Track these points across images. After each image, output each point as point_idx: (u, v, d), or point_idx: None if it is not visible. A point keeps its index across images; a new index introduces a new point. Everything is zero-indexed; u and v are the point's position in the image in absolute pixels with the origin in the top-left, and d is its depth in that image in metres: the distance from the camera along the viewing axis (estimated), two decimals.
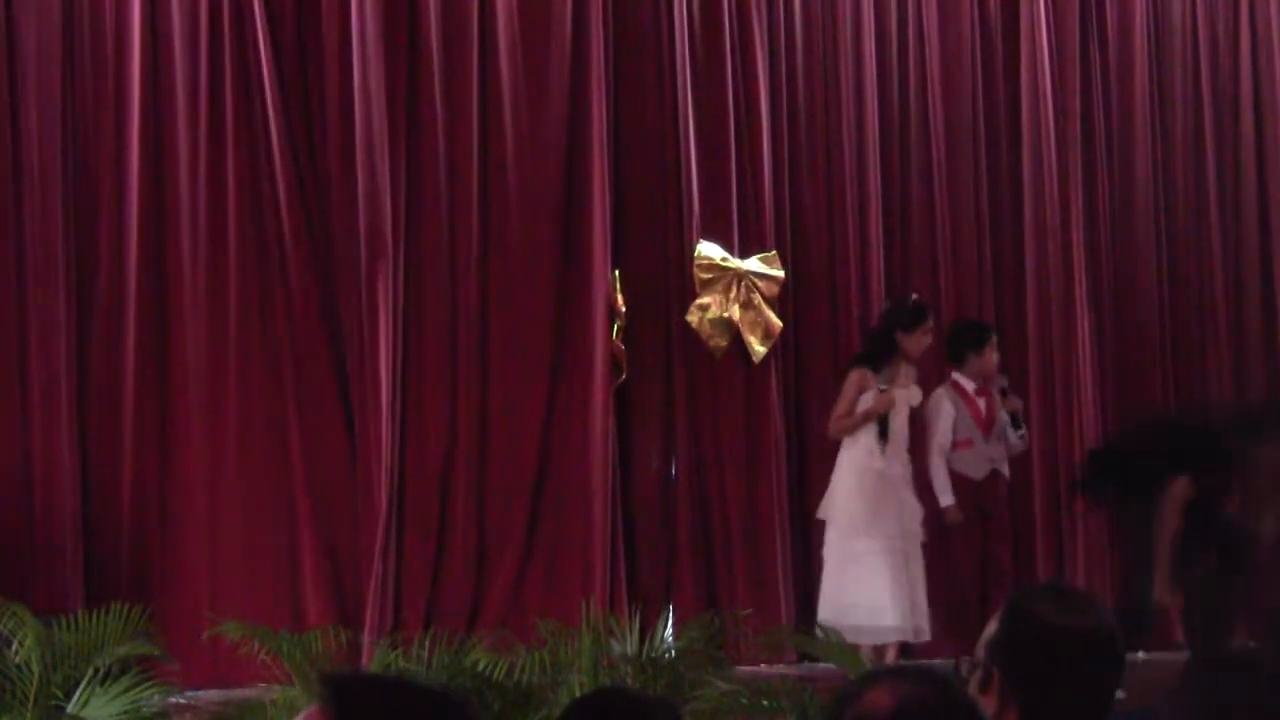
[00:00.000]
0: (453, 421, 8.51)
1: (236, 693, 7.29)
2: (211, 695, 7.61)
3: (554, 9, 8.69)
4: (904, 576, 7.60)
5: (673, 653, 7.09)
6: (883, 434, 7.66)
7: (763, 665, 8.04)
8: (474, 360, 8.57)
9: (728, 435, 8.85)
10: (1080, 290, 9.11)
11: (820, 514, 7.86)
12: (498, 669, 6.56)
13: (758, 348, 8.90)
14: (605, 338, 8.73)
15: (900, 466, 7.80)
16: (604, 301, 8.75)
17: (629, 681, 6.48)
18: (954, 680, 2.61)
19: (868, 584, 7.54)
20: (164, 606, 7.73)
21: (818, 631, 7.45)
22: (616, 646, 7.03)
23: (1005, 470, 7.95)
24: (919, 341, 7.77)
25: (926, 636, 7.71)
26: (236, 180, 8.28)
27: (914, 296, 7.93)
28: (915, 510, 7.78)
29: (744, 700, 6.56)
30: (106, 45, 8.23)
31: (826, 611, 7.67)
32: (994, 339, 7.96)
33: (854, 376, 7.79)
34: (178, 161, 8.25)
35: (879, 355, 7.80)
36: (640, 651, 6.95)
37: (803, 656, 8.07)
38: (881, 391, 7.66)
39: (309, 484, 8.30)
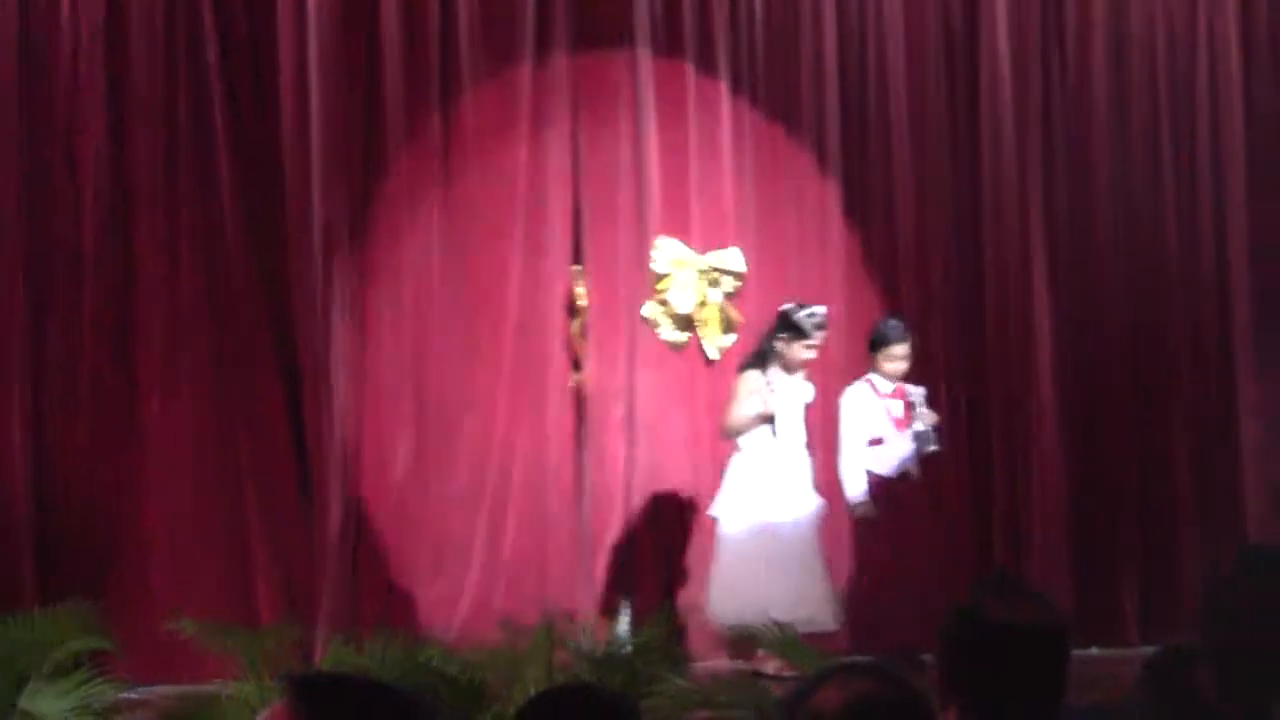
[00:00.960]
0: (414, 417, 8.51)
1: (191, 689, 7.27)
2: (166, 690, 7.58)
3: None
4: (797, 570, 7.69)
5: (629, 649, 7.13)
6: (774, 431, 7.79)
7: (724, 661, 8.12)
8: (433, 356, 8.57)
9: (689, 431, 8.81)
10: (1039, 284, 9.13)
11: (712, 512, 7.90)
12: (452, 666, 6.61)
13: (717, 343, 8.88)
14: (565, 333, 8.73)
15: (795, 461, 7.89)
16: (564, 297, 8.76)
17: (585, 678, 6.48)
18: (907, 675, 2.57)
19: (764, 580, 7.62)
20: (119, 603, 7.73)
21: (722, 628, 7.66)
22: (573, 643, 7.09)
23: (915, 469, 7.95)
24: (797, 354, 7.89)
25: (832, 627, 7.75)
26: (188, 180, 8.34)
27: (816, 311, 8.00)
28: (812, 504, 7.87)
29: (697, 697, 6.60)
30: (61, 37, 8.25)
31: (723, 608, 7.77)
32: (896, 347, 7.96)
33: (745, 377, 7.90)
34: (136, 164, 8.31)
35: (768, 356, 7.93)
36: (596, 648, 7.00)
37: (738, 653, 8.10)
38: (772, 391, 7.79)
39: (261, 479, 8.30)
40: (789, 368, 7.90)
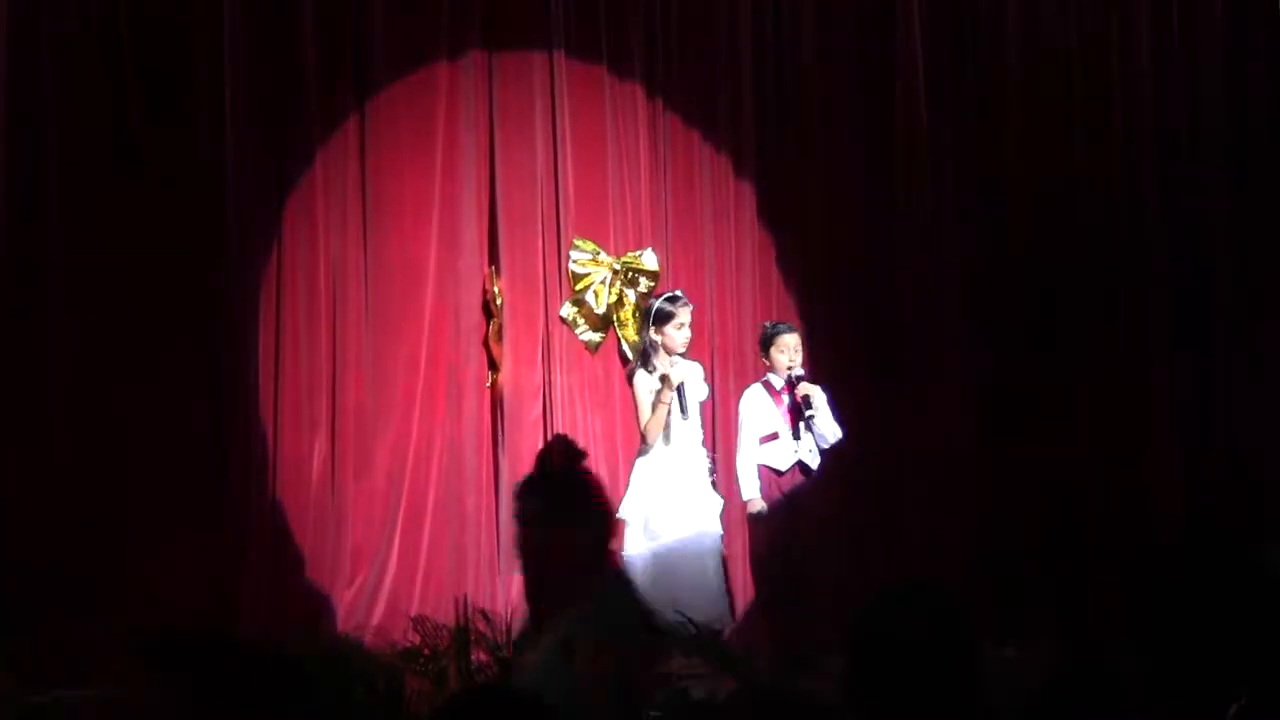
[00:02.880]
0: (331, 418, 8.51)
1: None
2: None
3: None
4: (697, 569, 7.75)
5: None
6: (683, 409, 7.84)
7: None
8: (350, 357, 8.57)
9: (605, 432, 8.85)
10: (952, 286, 9.24)
11: (620, 514, 7.88)
12: (369, 666, 6.67)
13: (634, 344, 8.80)
14: (483, 334, 8.76)
15: (694, 460, 7.97)
16: (481, 297, 8.77)
17: (502, 679, 6.48)
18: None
19: (664, 580, 7.63)
20: (28, 605, 7.73)
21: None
22: (490, 643, 7.09)
23: (812, 460, 8.05)
24: (671, 336, 7.97)
25: (730, 624, 7.81)
26: (99, 180, 8.29)
27: (675, 292, 8.12)
28: (713, 503, 7.94)
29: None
30: None
31: None
32: (785, 337, 8.10)
33: (638, 381, 7.97)
34: (46, 165, 8.25)
35: (648, 355, 8.00)
36: (513, 649, 6.83)
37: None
38: (661, 377, 7.84)
39: (179, 481, 8.25)
40: (670, 350, 7.97)
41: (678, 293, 8.10)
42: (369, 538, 8.51)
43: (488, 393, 8.76)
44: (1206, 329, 9.26)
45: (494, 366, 8.74)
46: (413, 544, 8.54)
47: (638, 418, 7.97)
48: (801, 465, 8.10)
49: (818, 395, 8.06)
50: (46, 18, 8.19)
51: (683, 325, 8.00)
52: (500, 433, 8.69)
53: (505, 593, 8.38)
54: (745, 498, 8.10)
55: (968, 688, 3.06)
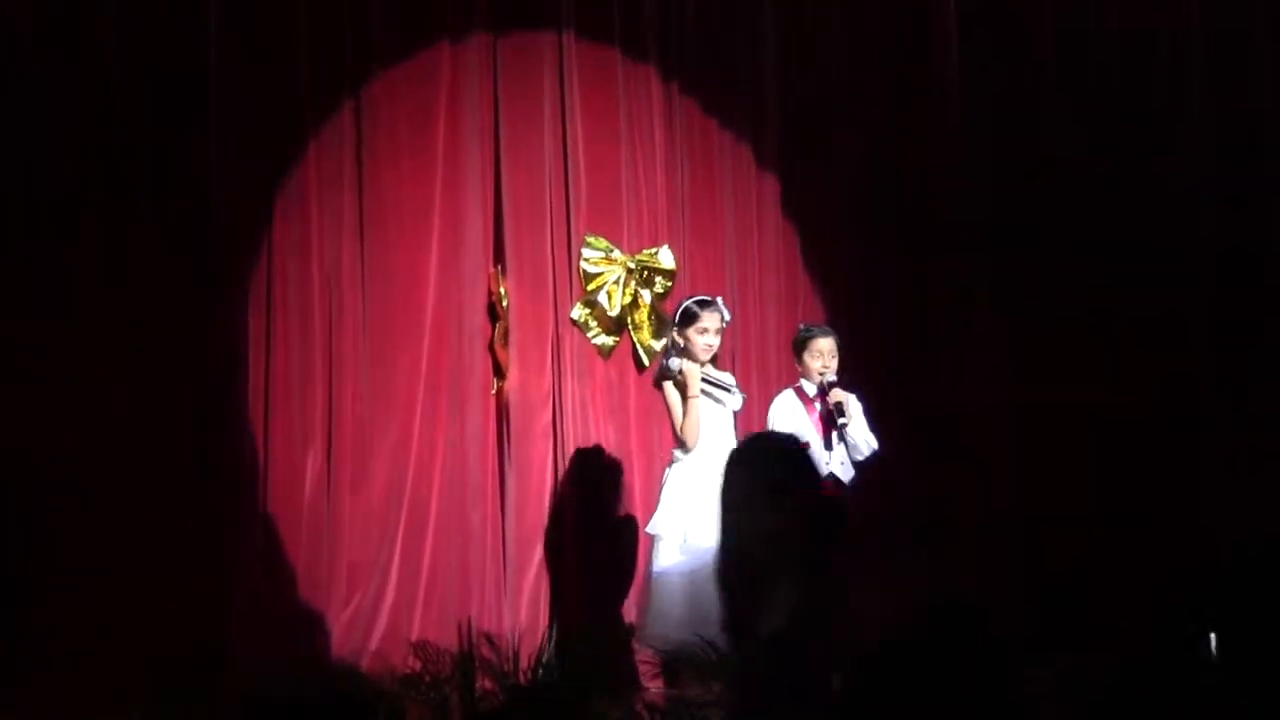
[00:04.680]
0: (326, 428, 8.38)
1: None
2: None
3: None
4: None
5: (555, 674, 7.15)
6: (728, 390, 7.78)
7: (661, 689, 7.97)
8: (345, 363, 8.44)
9: (620, 442, 8.76)
10: (988, 286, 9.15)
11: (650, 529, 7.80)
12: (368, 693, 6.42)
13: (649, 349, 8.83)
14: (487, 338, 8.65)
15: None
16: (485, 299, 8.66)
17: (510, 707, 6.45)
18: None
19: (698, 601, 7.37)
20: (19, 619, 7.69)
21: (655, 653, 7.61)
22: (496, 669, 7.12)
23: (845, 473, 7.92)
24: (696, 340, 7.84)
25: None
26: (85, 175, 8.12)
27: (711, 297, 7.98)
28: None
29: None
30: None
31: (654, 631, 7.68)
32: (820, 341, 8.00)
33: (667, 385, 7.85)
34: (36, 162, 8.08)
35: (670, 355, 7.89)
36: (519, 674, 7.04)
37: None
38: (680, 374, 7.74)
39: (165, 495, 8.07)
40: (695, 357, 7.85)
41: (715, 298, 7.97)
42: (366, 556, 8.36)
43: (493, 400, 8.63)
44: (1254, 317, 9.14)
45: (500, 372, 8.63)
46: (413, 562, 8.40)
47: (672, 423, 7.82)
48: (834, 478, 7.92)
49: (852, 403, 7.94)
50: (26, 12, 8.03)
51: (706, 330, 7.84)
52: (506, 443, 8.56)
53: (512, 615, 8.34)
54: None
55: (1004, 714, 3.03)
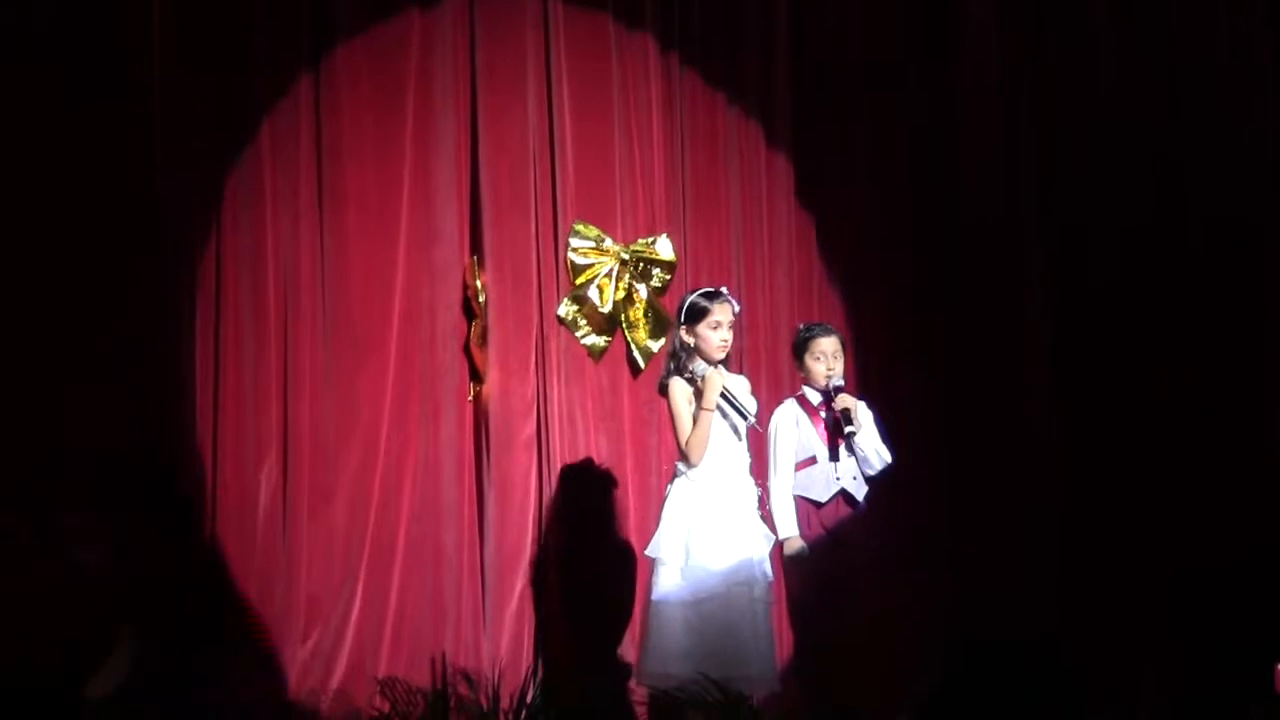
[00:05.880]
0: (282, 441, 8.09)
1: None
2: None
3: None
4: (744, 620, 7.37)
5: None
6: (744, 415, 7.43)
7: None
8: (303, 368, 8.14)
9: (613, 455, 8.54)
10: (1032, 276, 8.94)
11: (650, 552, 7.51)
12: None
13: (647, 349, 8.61)
14: (463, 338, 8.39)
15: (741, 490, 7.51)
16: (461, 294, 8.39)
17: None
18: None
19: (704, 632, 7.29)
20: None
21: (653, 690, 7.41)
22: (475, 710, 7.15)
23: (858, 490, 7.70)
24: (705, 338, 7.48)
25: (778, 687, 7.47)
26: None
27: (717, 288, 7.66)
28: (763, 541, 7.50)
29: None
30: None
31: (654, 666, 7.39)
32: (823, 340, 7.83)
33: (674, 390, 7.45)
34: None
35: (680, 359, 7.53)
36: (500, 715, 7.02)
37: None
38: (701, 380, 7.38)
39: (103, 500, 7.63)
40: (707, 355, 7.47)
41: (720, 288, 7.61)
42: (327, 584, 8.10)
43: (469, 408, 8.38)
44: None
45: (477, 377, 8.37)
46: (380, 591, 8.14)
47: (676, 435, 7.42)
48: (845, 495, 7.71)
49: (861, 411, 7.72)
50: None
51: (719, 325, 7.45)
52: (485, 457, 8.33)
53: (492, 650, 8.16)
54: (781, 536, 7.66)
55: None
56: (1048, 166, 8.96)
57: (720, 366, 7.46)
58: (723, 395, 7.34)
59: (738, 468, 7.47)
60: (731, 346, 7.57)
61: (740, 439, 7.48)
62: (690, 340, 7.45)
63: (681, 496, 7.44)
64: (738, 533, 7.42)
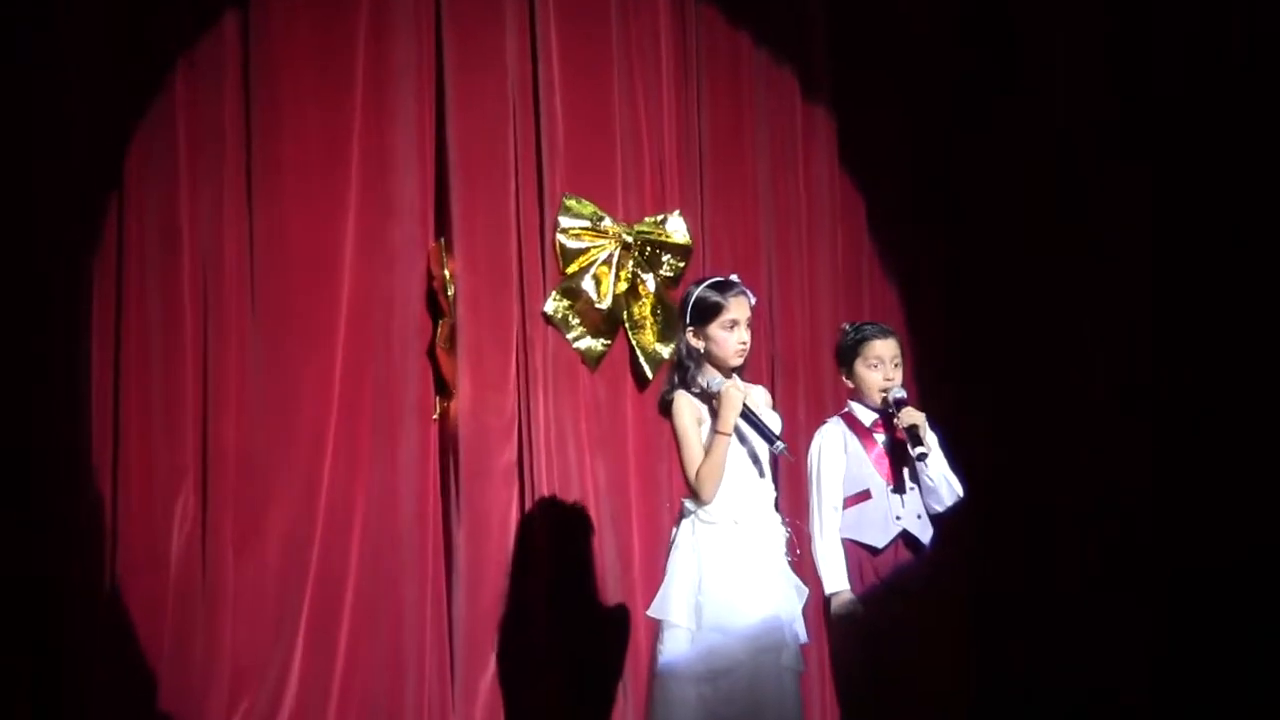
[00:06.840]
0: (200, 467, 7.39)
1: None
2: None
3: None
4: (779, 692, 6.62)
5: None
6: (770, 439, 6.58)
7: None
8: (227, 377, 7.45)
9: (613, 487, 8.00)
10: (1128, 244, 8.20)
11: (655, 613, 6.72)
12: None
13: (654, 356, 8.00)
14: (426, 340, 7.80)
15: (769, 530, 6.67)
16: (423, 285, 7.77)
17: None
18: None
19: (734, 709, 6.53)
20: None
21: None
22: None
23: (922, 531, 6.93)
24: (719, 341, 6.62)
25: None
26: None
27: (728, 277, 6.88)
28: (794, 595, 6.71)
29: None
30: None
31: None
32: (878, 343, 7.03)
33: (680, 409, 6.61)
34: None
35: (688, 368, 6.70)
36: None
37: None
38: (715, 395, 6.56)
39: None
40: (719, 361, 6.64)
41: (732, 277, 6.77)
42: (258, 641, 7.47)
43: (434, 428, 7.77)
44: None
45: (444, 389, 7.76)
46: (324, 650, 7.51)
47: (683, 464, 6.58)
48: (907, 537, 6.84)
49: (930, 431, 6.94)
50: None
51: (735, 324, 6.55)
52: (454, 488, 7.71)
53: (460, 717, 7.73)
54: (828, 590, 6.86)
55: None
56: (1145, 119, 8.10)
57: (735, 375, 6.59)
58: (743, 414, 6.48)
59: (761, 504, 6.59)
60: (750, 349, 6.74)
61: (764, 469, 6.60)
62: (699, 345, 6.59)
63: (691, 542, 6.58)
64: (762, 586, 6.57)
